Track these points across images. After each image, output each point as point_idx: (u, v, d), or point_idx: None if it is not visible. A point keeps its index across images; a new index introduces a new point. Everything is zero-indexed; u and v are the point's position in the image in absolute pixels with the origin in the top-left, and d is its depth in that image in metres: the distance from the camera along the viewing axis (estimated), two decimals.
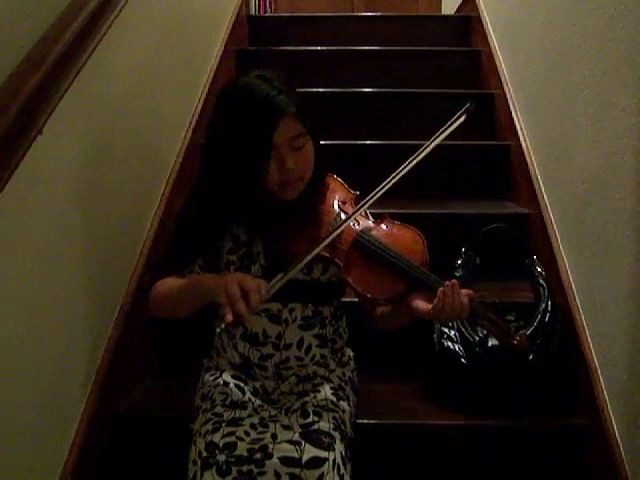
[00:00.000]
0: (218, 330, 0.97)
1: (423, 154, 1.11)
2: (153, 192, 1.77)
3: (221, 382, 1.19)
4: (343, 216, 1.19)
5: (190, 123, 2.10)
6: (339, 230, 1.11)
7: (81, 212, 1.30)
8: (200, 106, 2.19)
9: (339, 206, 1.21)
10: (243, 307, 0.94)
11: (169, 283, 1.15)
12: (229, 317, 0.94)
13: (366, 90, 2.44)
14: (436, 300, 1.05)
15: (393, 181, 1.11)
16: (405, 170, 1.11)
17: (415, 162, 1.11)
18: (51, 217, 1.18)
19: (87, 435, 1.28)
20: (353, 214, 1.13)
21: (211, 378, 1.21)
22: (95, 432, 1.32)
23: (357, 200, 1.23)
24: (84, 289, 1.32)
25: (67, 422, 1.26)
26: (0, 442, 1.03)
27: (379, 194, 1.13)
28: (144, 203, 1.71)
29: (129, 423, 1.42)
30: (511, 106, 2.15)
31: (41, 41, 1.09)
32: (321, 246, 1.08)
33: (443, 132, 1.11)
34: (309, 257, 1.07)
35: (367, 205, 1.13)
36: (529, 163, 1.91)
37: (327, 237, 1.09)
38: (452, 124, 1.11)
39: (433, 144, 1.10)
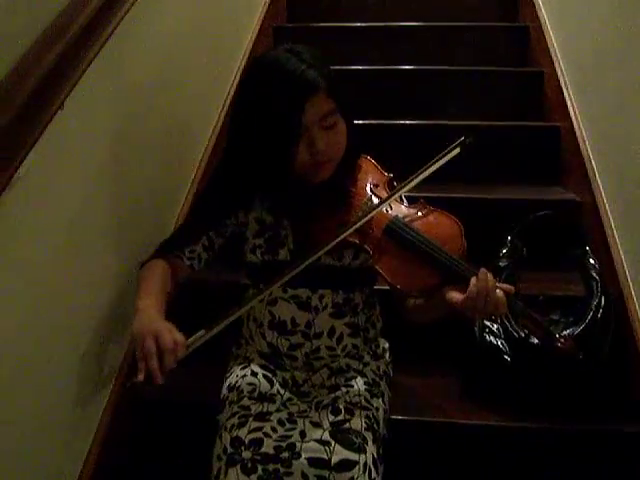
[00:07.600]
0: (127, 385, 0.90)
1: (413, 183, 1.08)
2: (184, 174, 1.74)
3: (249, 372, 1.15)
4: (375, 200, 1.13)
5: (224, 104, 2.05)
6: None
7: (111, 188, 1.28)
8: (235, 86, 2.13)
9: (371, 189, 1.16)
10: (156, 366, 0.88)
11: (145, 275, 1.10)
12: (140, 376, 0.88)
13: (407, 67, 2.35)
14: (468, 290, 0.97)
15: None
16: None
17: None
18: (79, 194, 1.16)
19: (114, 416, 1.28)
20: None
21: (239, 367, 1.18)
22: (122, 414, 1.31)
23: (390, 183, 1.18)
24: (111, 275, 1.29)
25: (97, 397, 1.26)
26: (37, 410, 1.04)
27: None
28: (177, 177, 1.69)
29: (155, 406, 1.41)
30: (562, 84, 2.03)
31: (65, 10, 1.04)
32: (319, 253, 1.03)
33: (434, 164, 1.07)
34: (288, 276, 1.01)
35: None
36: (581, 146, 1.80)
37: (331, 242, 1.03)
38: (444, 156, 1.07)
39: (421, 177, 1.08)
